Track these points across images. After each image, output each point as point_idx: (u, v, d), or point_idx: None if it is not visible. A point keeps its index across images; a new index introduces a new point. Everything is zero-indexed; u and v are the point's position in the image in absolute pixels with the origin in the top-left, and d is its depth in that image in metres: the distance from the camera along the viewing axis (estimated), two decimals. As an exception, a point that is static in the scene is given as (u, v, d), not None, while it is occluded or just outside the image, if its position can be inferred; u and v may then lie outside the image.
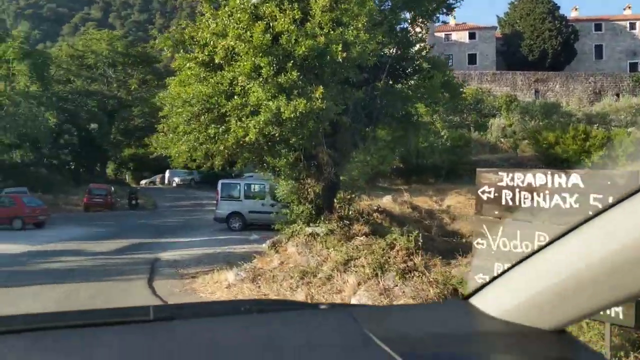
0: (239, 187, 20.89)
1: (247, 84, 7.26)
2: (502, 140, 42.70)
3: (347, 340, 1.29)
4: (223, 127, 7.80)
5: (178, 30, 8.55)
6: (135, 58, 48.45)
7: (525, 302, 1.27)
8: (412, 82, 9.38)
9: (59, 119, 38.33)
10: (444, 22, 44.18)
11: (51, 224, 23.48)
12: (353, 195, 9.70)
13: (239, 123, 7.35)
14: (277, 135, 7.18)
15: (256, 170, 23.06)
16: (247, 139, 7.39)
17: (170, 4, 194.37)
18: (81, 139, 44.10)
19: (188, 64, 8.41)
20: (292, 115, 6.71)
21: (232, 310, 1.59)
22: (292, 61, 7.03)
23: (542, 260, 1.22)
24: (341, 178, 9.48)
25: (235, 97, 7.54)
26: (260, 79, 7.03)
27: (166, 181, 58.00)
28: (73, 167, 46.47)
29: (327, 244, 7.60)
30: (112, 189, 36.16)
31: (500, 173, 4.49)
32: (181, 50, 8.45)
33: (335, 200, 9.82)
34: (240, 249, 14.30)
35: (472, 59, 55.44)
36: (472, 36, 56.16)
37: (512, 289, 1.31)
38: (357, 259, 6.59)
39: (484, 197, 4.56)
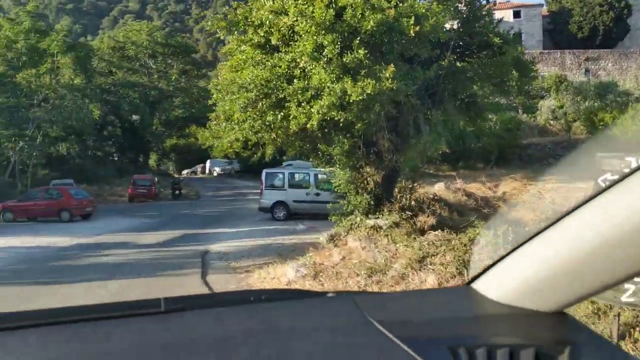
0: (283, 176, 20.45)
1: (309, 66, 6.66)
2: (552, 122, 40.87)
3: (348, 325, 1.34)
4: (282, 113, 7.23)
5: (230, 11, 7.96)
6: (174, 48, 48.62)
7: (526, 285, 1.29)
8: (478, 59, 8.56)
9: (102, 111, 38.80)
10: (487, 1, 42.48)
11: (97, 215, 23.68)
12: (415, 184, 9.00)
13: (300, 109, 6.76)
14: (341, 120, 6.57)
15: (302, 159, 22.70)
16: (308, 125, 6.81)
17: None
18: (124, 131, 44.68)
19: (242, 47, 7.84)
20: (359, 98, 6.08)
21: (241, 300, 1.63)
22: (358, 38, 6.38)
23: (542, 242, 1.23)
24: (401, 165, 8.78)
25: (295, 80, 6.94)
26: (324, 60, 6.40)
27: (207, 171, 58.41)
28: (116, 158, 47.19)
29: (394, 238, 6.99)
30: (156, 179, 36.43)
31: (628, 158, 3.75)
32: (235, 32, 7.87)
33: (394, 190, 9.16)
34: (289, 240, 13.83)
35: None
36: (516, 15, 53.81)
37: (513, 272, 1.33)
38: (434, 255, 5.96)
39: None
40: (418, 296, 1.85)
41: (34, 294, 7.82)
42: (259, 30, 7.50)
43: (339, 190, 9.36)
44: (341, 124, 6.82)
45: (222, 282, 7.95)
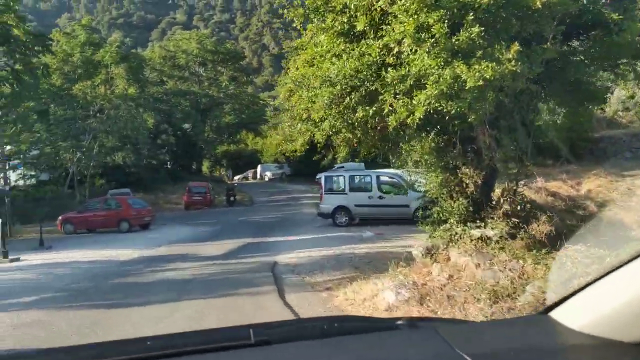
0: (343, 179, 19.48)
1: (409, 50, 5.65)
2: (621, 113, 38.13)
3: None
4: (374, 107, 6.24)
5: None
6: (223, 55, 48.74)
7: (608, 315, 1.28)
8: (588, 39, 7.31)
9: (155, 119, 39.11)
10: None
11: (155, 224, 23.46)
12: (519, 185, 7.80)
13: (399, 101, 5.75)
14: (452, 111, 5.53)
15: (356, 160, 21.70)
16: (409, 120, 5.79)
17: (249, 2, 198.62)
18: (177, 138, 45.05)
19: (321, 37, 6.88)
20: (476, 84, 5.04)
21: (329, 331, 1.63)
22: (471, 13, 5.33)
23: (625, 272, 1.22)
24: (501, 164, 7.61)
25: (389, 69, 5.95)
26: (430, 41, 5.37)
27: (258, 176, 58.31)
28: (170, 166, 47.62)
29: (516, 252, 5.86)
30: (210, 186, 36.28)
31: None
32: (314, 20, 6.94)
33: (492, 193, 8.00)
34: (359, 249, 12.83)
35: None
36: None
37: (594, 302, 1.32)
38: (581, 276, 4.88)
39: None
40: (499, 326, 1.84)
41: (102, 318, 7.16)
42: (341, 17, 6.53)
43: (430, 195, 8.26)
44: (452, 115, 5.74)
45: (305, 305, 7.03)
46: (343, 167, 47.53)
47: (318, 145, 8.90)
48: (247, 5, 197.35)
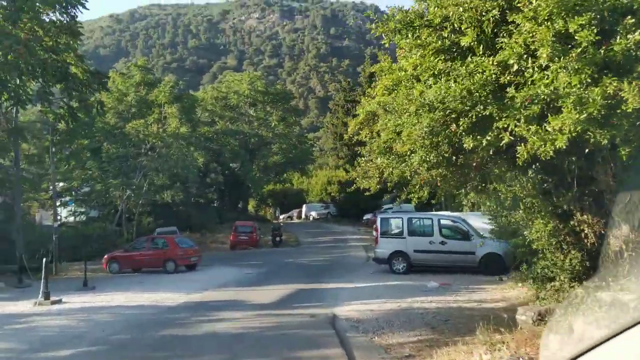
0: (401, 222, 18.13)
1: (533, 68, 4.52)
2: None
3: None
4: (488, 137, 5.06)
5: (399, 10, 6.04)
6: (273, 96, 48.92)
7: None
8: None
9: (205, 158, 39.05)
10: None
11: (201, 264, 22.63)
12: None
13: (530, 128, 4.57)
14: (603, 142, 4.32)
15: (395, 204, 20.48)
16: (540, 151, 4.57)
17: (297, 47, 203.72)
18: (225, 177, 44.91)
19: (414, 55, 5.81)
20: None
21: None
22: (629, 16, 4.17)
23: None
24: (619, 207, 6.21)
25: (509, 89, 4.81)
26: (576, 52, 4.23)
27: (303, 215, 57.44)
28: (217, 205, 47.41)
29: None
30: (257, 225, 35.51)
31: None
32: (409, 35, 5.90)
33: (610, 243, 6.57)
34: (428, 302, 11.42)
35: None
36: None
37: None
38: None
39: None
40: None
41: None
42: (439, 32, 5.48)
43: (538, 246, 6.89)
44: (603, 146, 4.49)
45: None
46: (391, 208, 45.90)
47: (389, 184, 7.78)
48: (295, 50, 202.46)
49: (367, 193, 10.43)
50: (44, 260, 13.41)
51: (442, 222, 17.96)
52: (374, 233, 24.98)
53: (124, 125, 34.49)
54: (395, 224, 18.65)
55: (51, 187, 24.40)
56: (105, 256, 22.06)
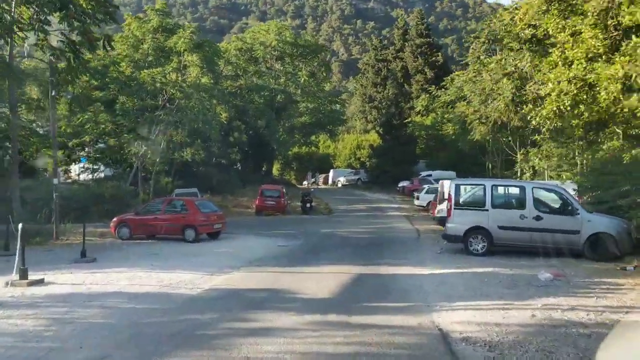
0: (483, 190, 14.23)
1: None
2: None
3: None
4: None
5: None
6: (303, 49, 44.56)
7: None
8: None
9: (228, 115, 35.24)
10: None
11: (225, 233, 19.15)
12: None
13: None
14: None
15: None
16: None
17: (321, 8, 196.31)
18: (249, 137, 41.13)
19: None
20: None
21: None
22: None
23: None
24: None
25: None
26: None
27: (330, 181, 53.70)
28: (240, 166, 43.93)
29: None
30: (285, 190, 31.92)
31: None
32: None
33: None
34: (565, 307, 7.68)
35: None
36: None
37: None
38: None
39: None
40: None
41: None
42: None
43: None
44: None
45: None
46: (431, 175, 41.26)
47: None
48: (318, 11, 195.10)
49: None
50: (20, 226, 9.89)
51: (537, 191, 14.03)
52: (445, 204, 21.35)
53: (139, 75, 30.75)
54: (474, 192, 14.79)
55: (52, 136, 20.87)
56: (115, 219, 18.66)
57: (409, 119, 49.07)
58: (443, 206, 21.76)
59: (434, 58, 62.46)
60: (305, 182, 54.72)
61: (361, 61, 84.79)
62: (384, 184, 46.00)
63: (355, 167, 55.58)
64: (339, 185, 52.26)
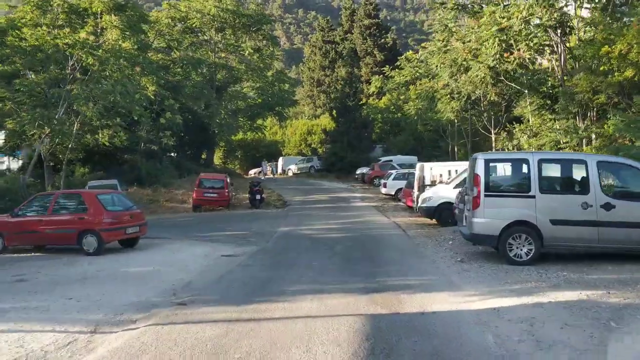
0: (527, 168, 9.60)
1: None
2: None
3: None
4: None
5: None
6: (247, 18, 38.82)
7: None
8: None
9: (159, 92, 29.23)
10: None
11: (148, 237, 13.76)
12: None
13: None
14: None
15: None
16: None
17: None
18: (185, 120, 35.12)
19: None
20: None
21: None
22: None
23: None
24: None
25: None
26: None
27: (279, 170, 48.48)
28: (175, 154, 37.95)
29: None
30: (229, 179, 26.53)
31: None
32: None
33: None
34: None
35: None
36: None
37: None
38: None
39: None
40: None
41: None
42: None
43: None
44: None
45: None
46: (391, 160, 36.31)
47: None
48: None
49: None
50: None
51: (606, 166, 9.59)
52: (432, 191, 16.76)
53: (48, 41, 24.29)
54: (512, 171, 10.19)
55: None
56: (-17, 224, 12.83)
57: (363, 102, 45.21)
58: (431, 193, 17.36)
59: (383, 40, 59.13)
60: (252, 172, 49.27)
61: (307, 43, 79.86)
62: (340, 171, 41.52)
63: (307, 154, 50.77)
64: (290, 173, 47.28)
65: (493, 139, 28.52)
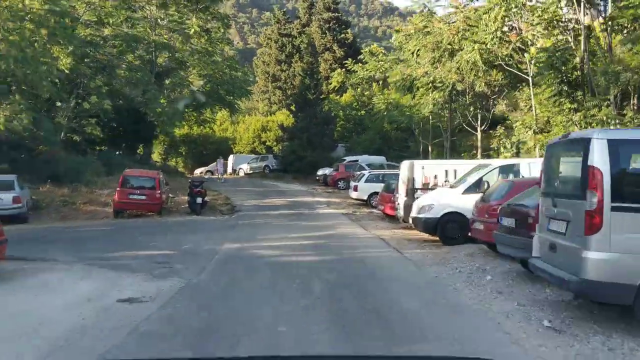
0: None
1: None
2: None
3: None
4: None
5: None
6: (193, -8, 33.53)
7: None
8: None
9: (75, 60, 23.66)
10: None
11: (25, 256, 8.63)
12: None
13: None
14: None
15: None
16: None
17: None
18: (117, 107, 29.48)
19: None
20: None
21: None
22: None
23: None
24: None
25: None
26: None
27: (230, 169, 43.23)
28: (104, 148, 32.21)
29: None
30: (162, 178, 21.31)
31: None
32: None
33: None
34: None
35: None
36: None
37: None
38: None
39: None
40: None
41: None
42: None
43: None
44: None
45: None
46: (357, 160, 31.82)
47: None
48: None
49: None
50: None
51: None
52: (428, 198, 12.35)
53: None
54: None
55: None
56: None
57: (324, 96, 41.30)
58: (431, 200, 13.00)
59: (343, 35, 55.75)
60: (199, 170, 43.78)
61: (262, 35, 75.10)
62: (298, 172, 36.99)
63: (261, 153, 45.94)
64: (241, 174, 42.27)
65: (479, 137, 24.71)
